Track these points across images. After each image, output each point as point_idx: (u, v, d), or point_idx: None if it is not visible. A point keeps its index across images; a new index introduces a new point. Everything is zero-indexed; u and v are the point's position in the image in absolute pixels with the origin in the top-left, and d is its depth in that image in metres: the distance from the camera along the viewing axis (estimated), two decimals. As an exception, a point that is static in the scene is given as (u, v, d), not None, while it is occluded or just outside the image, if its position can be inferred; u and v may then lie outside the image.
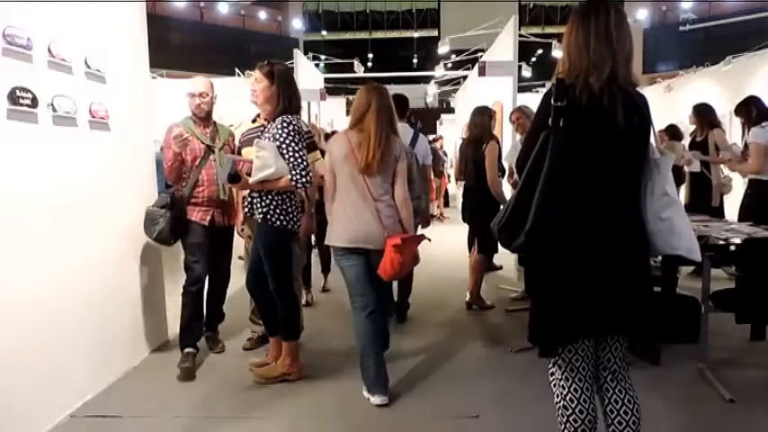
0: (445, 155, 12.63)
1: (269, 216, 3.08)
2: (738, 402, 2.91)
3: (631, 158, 1.84)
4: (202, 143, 3.53)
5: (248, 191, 3.22)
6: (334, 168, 2.98)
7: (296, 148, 2.99)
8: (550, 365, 2.02)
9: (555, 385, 2.00)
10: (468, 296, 4.81)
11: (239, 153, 3.58)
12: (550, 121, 1.76)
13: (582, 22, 1.83)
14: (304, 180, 2.98)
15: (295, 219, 3.17)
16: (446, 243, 6.94)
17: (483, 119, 4.58)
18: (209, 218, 3.54)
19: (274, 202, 3.09)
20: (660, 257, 3.44)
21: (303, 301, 4.45)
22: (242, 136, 3.73)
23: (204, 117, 3.59)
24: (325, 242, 3.08)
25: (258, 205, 3.11)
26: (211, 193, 3.54)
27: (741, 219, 4.37)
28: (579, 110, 1.76)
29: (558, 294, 1.86)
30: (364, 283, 2.99)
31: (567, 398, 1.95)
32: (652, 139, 1.89)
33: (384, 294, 3.36)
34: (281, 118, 3.03)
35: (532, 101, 5.59)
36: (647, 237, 1.88)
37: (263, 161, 2.94)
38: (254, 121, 3.75)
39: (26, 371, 2.58)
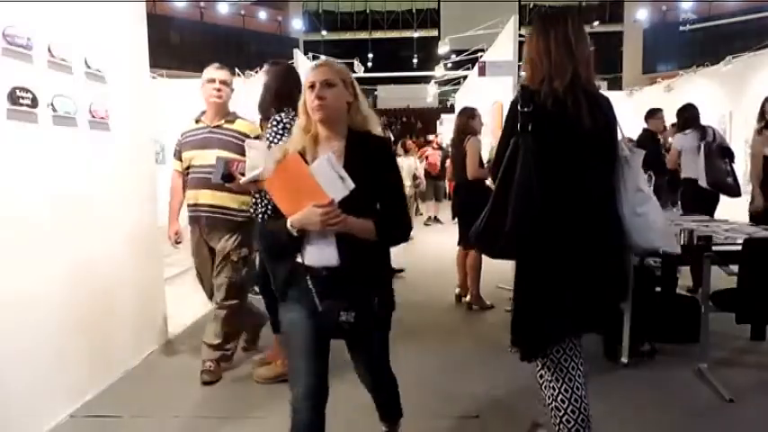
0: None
1: (265, 218, 3.07)
2: (738, 402, 2.90)
3: (601, 156, 1.91)
4: None
5: (254, 191, 3.19)
6: None
7: None
8: (539, 368, 2.05)
9: (545, 387, 2.02)
10: (468, 296, 4.82)
11: (180, 157, 3.34)
12: (519, 126, 1.84)
13: (542, 33, 1.94)
14: None
15: None
16: (446, 243, 6.94)
17: (461, 120, 4.80)
18: None
19: (272, 203, 3.06)
20: (660, 259, 3.47)
21: None
22: (182, 137, 3.36)
23: None
24: None
25: (259, 205, 3.11)
26: None
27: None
28: (546, 113, 1.84)
29: (541, 295, 1.90)
30: None
31: (559, 399, 1.97)
32: (619, 137, 1.96)
33: None
34: (273, 117, 3.01)
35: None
36: (625, 232, 1.94)
37: (253, 161, 2.90)
38: (197, 121, 3.38)
39: (26, 371, 2.58)
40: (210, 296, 3.49)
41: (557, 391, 1.97)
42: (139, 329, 3.63)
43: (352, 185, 1.78)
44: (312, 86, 1.89)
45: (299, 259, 1.91)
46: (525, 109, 1.83)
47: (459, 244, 4.85)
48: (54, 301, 2.77)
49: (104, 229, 3.22)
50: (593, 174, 1.89)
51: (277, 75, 3.16)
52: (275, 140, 2.91)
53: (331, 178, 1.81)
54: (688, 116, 5.39)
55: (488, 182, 4.89)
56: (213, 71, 3.31)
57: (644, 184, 1.95)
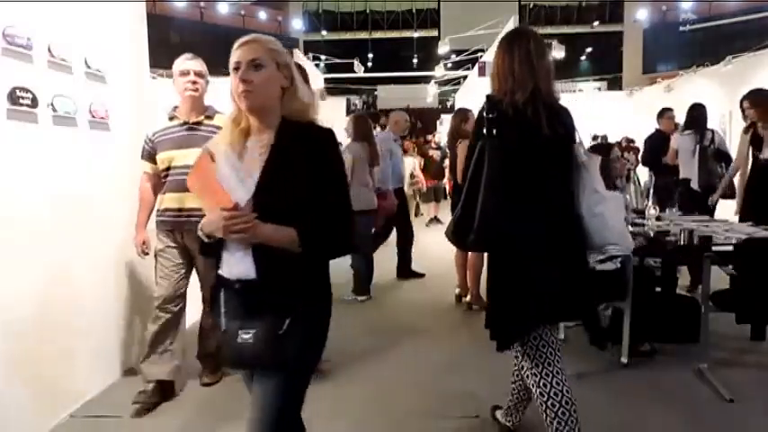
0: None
1: None
2: (738, 402, 2.91)
3: (561, 165, 2.10)
4: None
5: None
6: (355, 166, 4.77)
7: None
8: (520, 359, 2.19)
9: (528, 377, 2.15)
10: (468, 296, 4.82)
11: (152, 157, 3.07)
12: (485, 131, 2.04)
13: (507, 51, 2.15)
14: None
15: None
16: (446, 243, 6.93)
17: (455, 122, 4.89)
18: None
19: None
20: (660, 259, 3.47)
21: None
22: (154, 136, 3.08)
23: None
24: None
25: None
26: None
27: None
28: (508, 119, 2.04)
29: (505, 302, 2.09)
30: None
31: (541, 384, 2.08)
32: (578, 144, 2.15)
33: None
34: None
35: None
36: (583, 228, 2.10)
37: None
38: (171, 118, 3.14)
39: (26, 371, 2.58)
40: (167, 306, 3.08)
41: (538, 376, 2.10)
42: (139, 329, 3.62)
43: (252, 189, 1.52)
44: (237, 68, 1.54)
45: (220, 270, 1.63)
46: (490, 115, 2.04)
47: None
48: (53, 302, 2.76)
49: (104, 229, 3.22)
50: (554, 182, 2.06)
51: None
52: None
53: (233, 178, 1.55)
54: (694, 115, 5.39)
55: None
56: (185, 62, 3.07)
57: (600, 187, 2.13)
